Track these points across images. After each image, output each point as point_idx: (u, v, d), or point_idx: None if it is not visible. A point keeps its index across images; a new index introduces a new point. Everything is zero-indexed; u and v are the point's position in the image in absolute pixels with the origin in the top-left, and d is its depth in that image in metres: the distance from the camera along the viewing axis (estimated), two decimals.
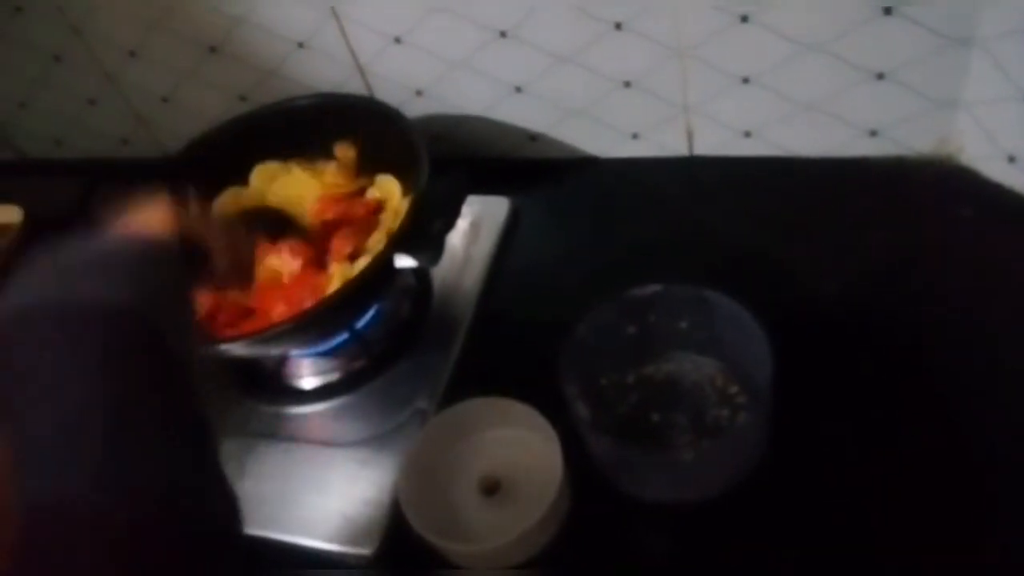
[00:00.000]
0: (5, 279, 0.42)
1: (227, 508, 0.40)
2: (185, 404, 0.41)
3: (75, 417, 0.36)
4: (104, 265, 0.42)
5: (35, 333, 0.39)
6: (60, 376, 0.37)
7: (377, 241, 0.68)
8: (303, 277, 0.68)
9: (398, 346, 0.71)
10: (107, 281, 0.41)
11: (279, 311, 0.66)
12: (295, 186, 0.76)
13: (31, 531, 0.32)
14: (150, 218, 0.48)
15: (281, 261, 0.69)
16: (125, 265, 0.43)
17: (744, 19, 0.66)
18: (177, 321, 0.44)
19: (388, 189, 0.74)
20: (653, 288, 0.60)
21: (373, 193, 0.75)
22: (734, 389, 0.61)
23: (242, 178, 0.77)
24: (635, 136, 0.80)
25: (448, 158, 0.70)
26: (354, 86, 0.84)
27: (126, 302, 0.40)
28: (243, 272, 0.57)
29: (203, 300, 0.65)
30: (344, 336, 0.70)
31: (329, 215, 0.73)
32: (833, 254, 0.68)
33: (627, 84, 0.75)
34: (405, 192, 0.72)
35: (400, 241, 0.64)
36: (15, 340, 0.38)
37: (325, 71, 0.83)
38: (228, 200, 0.76)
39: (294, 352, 0.72)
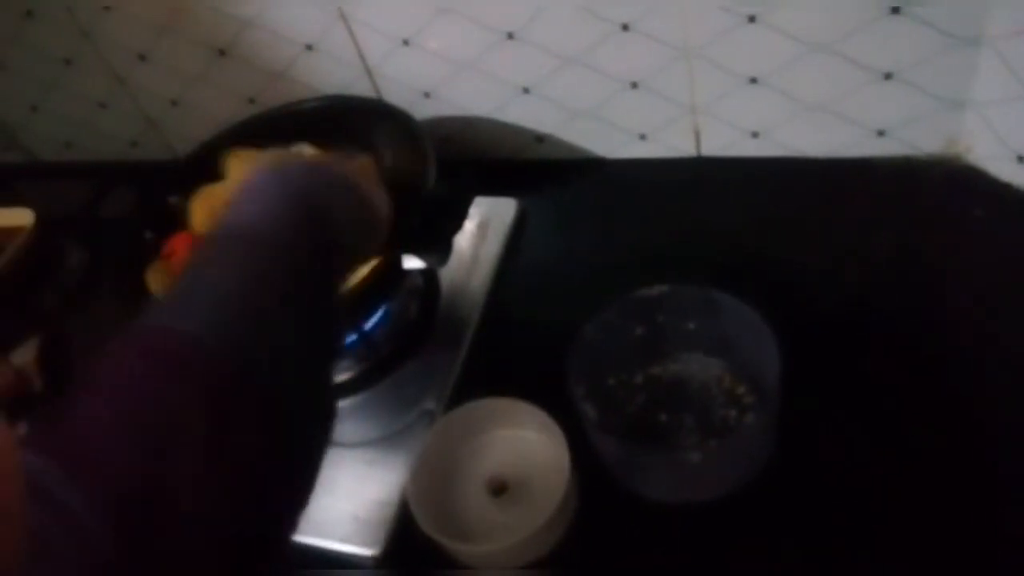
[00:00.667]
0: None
1: (324, 400, 0.44)
2: (319, 313, 0.45)
3: (217, 289, 0.40)
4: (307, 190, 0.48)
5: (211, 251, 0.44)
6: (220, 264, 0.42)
7: None
8: None
9: (406, 347, 0.72)
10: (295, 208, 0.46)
11: None
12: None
13: (128, 349, 0.37)
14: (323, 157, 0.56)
15: None
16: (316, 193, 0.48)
17: (751, 19, 0.66)
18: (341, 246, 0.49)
19: None
20: (660, 289, 0.60)
21: None
22: (741, 390, 0.61)
23: None
24: (642, 137, 0.80)
25: (456, 159, 0.70)
26: (362, 88, 0.84)
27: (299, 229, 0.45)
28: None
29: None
30: (352, 337, 0.70)
31: None
32: (841, 254, 0.68)
33: (634, 85, 0.75)
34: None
35: (408, 242, 0.64)
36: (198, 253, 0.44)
37: (333, 73, 0.84)
38: (205, 197, 0.76)
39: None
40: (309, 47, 0.83)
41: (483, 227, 0.78)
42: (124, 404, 0.34)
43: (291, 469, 0.40)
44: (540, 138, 0.83)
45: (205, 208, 0.75)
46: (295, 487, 0.40)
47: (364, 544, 0.60)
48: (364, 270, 0.67)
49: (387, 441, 0.66)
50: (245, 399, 0.37)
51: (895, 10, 0.62)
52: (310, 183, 0.47)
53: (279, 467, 0.39)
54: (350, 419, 0.70)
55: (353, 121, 0.77)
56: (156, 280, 0.72)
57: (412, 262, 0.65)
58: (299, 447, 0.40)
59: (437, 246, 0.66)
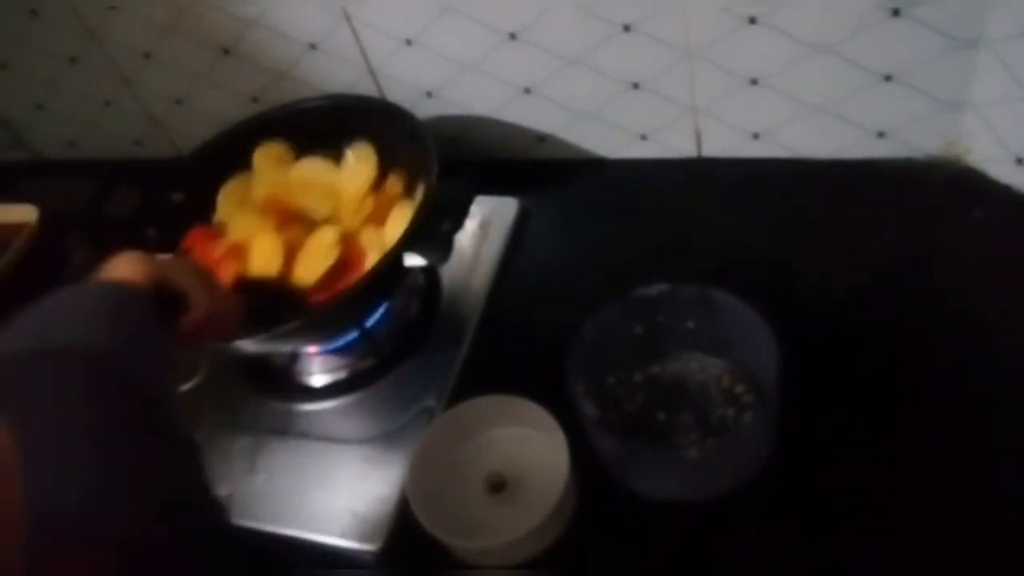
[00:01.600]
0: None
1: (217, 512, 0.43)
2: (162, 433, 0.43)
3: (64, 449, 0.37)
4: (81, 313, 0.46)
5: (18, 378, 0.41)
6: (45, 415, 0.39)
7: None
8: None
9: (407, 345, 0.72)
10: (84, 328, 0.44)
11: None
12: (313, 172, 0.77)
13: (37, 544, 0.33)
14: (125, 268, 0.51)
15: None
16: (100, 312, 0.46)
17: (752, 21, 0.66)
18: (149, 360, 0.47)
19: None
20: (660, 288, 0.60)
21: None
22: (740, 389, 0.61)
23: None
24: (643, 137, 0.80)
25: (458, 159, 0.70)
26: (365, 88, 0.84)
27: (101, 346, 0.43)
28: (224, 320, 0.58)
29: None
30: (354, 334, 0.71)
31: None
32: (841, 255, 0.68)
33: (635, 86, 0.75)
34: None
35: (410, 240, 0.65)
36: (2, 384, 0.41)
37: (337, 73, 0.84)
38: (234, 189, 0.77)
39: (305, 350, 0.73)
40: (313, 46, 0.83)
41: (484, 226, 0.78)
42: None
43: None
44: (541, 138, 0.84)
45: (233, 200, 0.76)
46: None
47: (364, 540, 0.61)
48: (366, 267, 0.68)
49: (387, 438, 0.66)
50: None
51: (895, 12, 0.62)
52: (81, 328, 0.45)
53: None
54: (350, 416, 0.70)
55: (356, 120, 0.77)
56: None
57: (413, 260, 0.65)
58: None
59: (438, 245, 0.66)
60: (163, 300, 0.51)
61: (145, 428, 0.42)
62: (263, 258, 0.71)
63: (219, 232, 0.75)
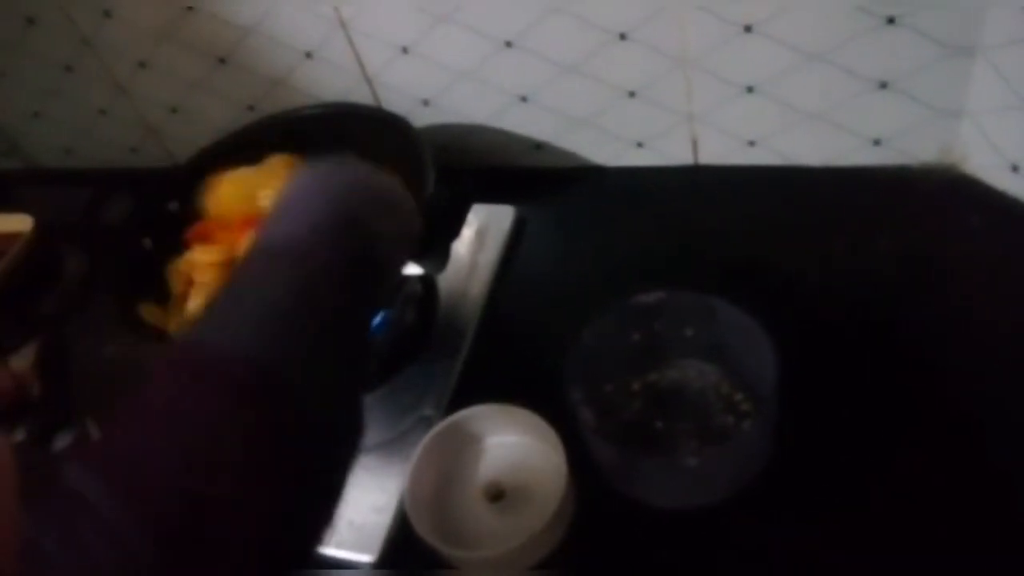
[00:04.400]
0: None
1: (355, 420, 0.44)
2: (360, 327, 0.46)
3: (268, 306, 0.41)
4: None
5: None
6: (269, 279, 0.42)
7: None
8: None
9: (404, 353, 0.72)
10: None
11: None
12: (243, 187, 0.75)
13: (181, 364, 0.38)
14: None
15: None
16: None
17: (748, 29, 0.66)
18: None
19: None
20: (658, 295, 0.60)
21: None
22: (739, 396, 0.61)
23: None
24: (640, 145, 0.80)
25: (454, 167, 0.70)
26: (361, 96, 0.84)
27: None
28: None
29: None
30: None
31: None
32: (837, 262, 0.68)
33: (632, 94, 0.75)
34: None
35: None
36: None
37: (333, 81, 0.84)
38: (200, 232, 0.75)
39: None
40: (308, 55, 0.83)
41: (481, 234, 0.78)
42: (169, 424, 0.35)
43: (324, 488, 0.40)
44: (538, 146, 0.84)
45: (232, 193, 0.75)
46: (326, 504, 0.40)
47: (361, 550, 0.60)
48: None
49: (385, 447, 0.66)
50: (286, 418, 0.37)
51: (890, 20, 0.62)
52: (350, 195, 0.47)
53: (313, 486, 0.39)
54: None
55: (352, 128, 0.77)
56: (175, 276, 0.74)
57: (410, 268, 0.65)
58: (332, 467, 0.41)
59: (435, 253, 0.66)
60: None
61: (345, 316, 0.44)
62: None
63: (217, 227, 0.75)
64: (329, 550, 0.61)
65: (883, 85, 0.67)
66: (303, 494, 0.38)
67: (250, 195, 0.74)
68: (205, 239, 0.74)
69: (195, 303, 0.71)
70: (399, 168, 0.73)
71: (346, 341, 0.43)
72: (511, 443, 0.62)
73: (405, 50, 0.79)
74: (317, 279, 0.42)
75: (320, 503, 0.40)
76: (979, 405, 0.57)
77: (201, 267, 0.72)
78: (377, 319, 0.71)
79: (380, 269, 0.47)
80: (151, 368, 0.37)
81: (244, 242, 0.71)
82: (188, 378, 0.37)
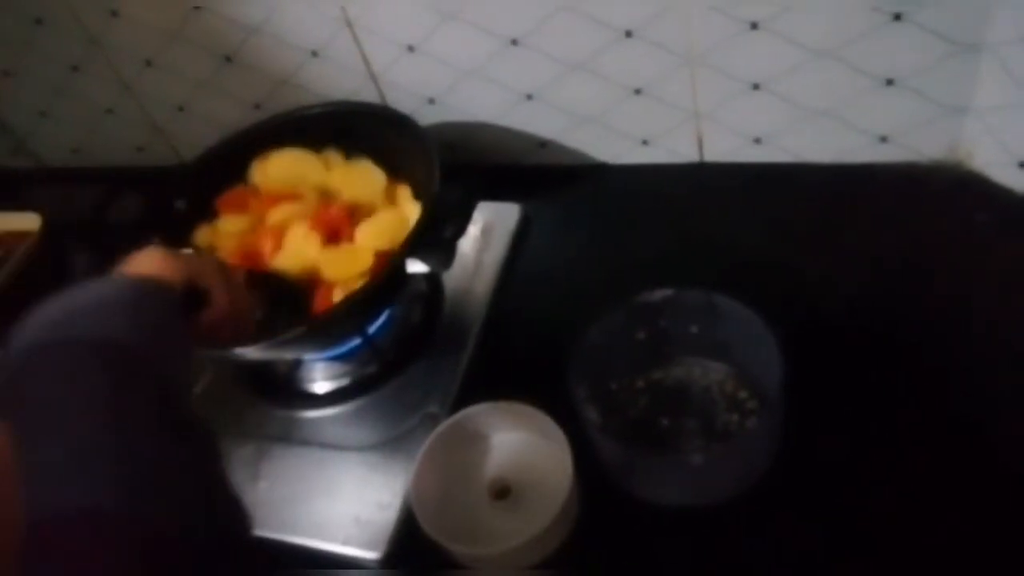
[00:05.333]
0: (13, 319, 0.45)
1: (237, 512, 0.42)
2: (184, 426, 0.43)
3: (88, 442, 0.37)
4: (105, 306, 0.46)
5: (44, 368, 0.41)
6: (68, 406, 0.39)
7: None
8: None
9: (410, 351, 0.72)
10: (108, 321, 0.44)
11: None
12: (294, 165, 0.76)
13: (52, 541, 0.33)
14: (150, 263, 0.51)
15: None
16: (124, 305, 0.46)
17: (754, 26, 0.66)
18: (169, 353, 0.46)
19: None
20: (663, 293, 0.60)
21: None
22: (744, 394, 0.61)
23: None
24: (645, 143, 0.80)
25: (460, 165, 0.70)
26: (367, 94, 0.85)
27: (124, 339, 0.43)
28: (240, 321, 0.58)
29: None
30: (356, 341, 0.71)
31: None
32: (844, 259, 0.68)
33: (637, 91, 0.75)
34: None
35: (412, 247, 0.65)
36: (26, 374, 0.41)
37: (339, 79, 0.84)
38: (232, 199, 0.77)
39: (307, 357, 0.73)
40: (315, 54, 0.83)
41: (487, 232, 0.78)
42: None
43: None
44: (543, 143, 0.84)
45: (282, 166, 0.77)
46: None
47: (366, 547, 0.61)
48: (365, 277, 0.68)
49: (390, 445, 0.66)
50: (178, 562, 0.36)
51: (897, 17, 0.62)
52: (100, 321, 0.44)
53: None
54: (353, 423, 0.70)
55: (358, 127, 0.77)
56: (205, 238, 0.75)
57: (416, 266, 0.65)
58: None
59: (441, 251, 0.66)
60: (186, 296, 0.52)
61: (163, 421, 0.42)
62: (294, 251, 0.71)
63: (251, 195, 0.76)
64: (335, 547, 0.61)
65: (890, 82, 0.66)
66: None
67: (299, 174, 0.76)
68: (235, 208, 0.75)
69: None
70: (405, 166, 0.74)
71: (176, 453, 0.41)
72: (516, 440, 0.63)
73: (411, 48, 0.79)
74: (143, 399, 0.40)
75: None
76: (985, 404, 0.57)
77: (225, 236, 0.73)
78: (383, 317, 0.72)
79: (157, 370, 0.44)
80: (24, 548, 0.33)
81: (274, 214, 0.72)
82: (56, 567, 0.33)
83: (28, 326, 0.44)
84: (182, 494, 0.39)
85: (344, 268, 0.69)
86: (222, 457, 0.44)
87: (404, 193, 0.74)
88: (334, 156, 0.78)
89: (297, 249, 0.70)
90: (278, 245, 0.71)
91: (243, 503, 0.42)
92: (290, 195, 0.74)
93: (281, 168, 0.76)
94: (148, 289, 0.49)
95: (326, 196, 0.75)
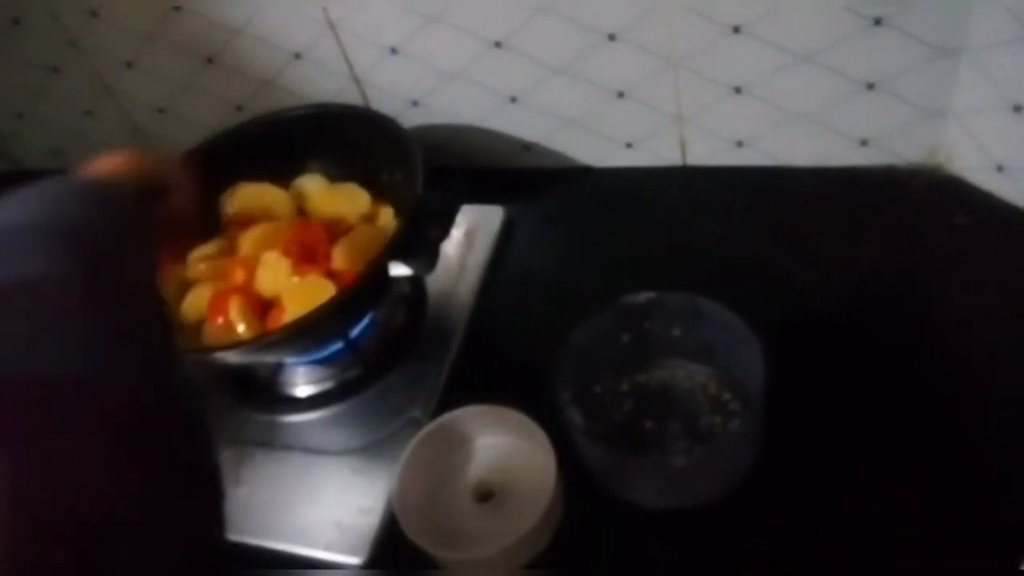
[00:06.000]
0: None
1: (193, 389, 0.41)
2: (151, 309, 0.43)
3: (55, 316, 0.36)
4: (63, 196, 0.46)
5: (7, 248, 0.40)
6: (34, 290, 0.38)
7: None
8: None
9: (392, 354, 0.72)
10: (64, 208, 0.44)
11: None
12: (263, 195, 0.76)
13: (25, 411, 0.32)
14: (110, 161, 0.52)
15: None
16: (82, 196, 0.47)
17: (736, 30, 0.67)
18: (133, 244, 0.46)
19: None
20: (647, 296, 0.60)
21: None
22: (727, 396, 0.61)
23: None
24: (629, 146, 0.80)
25: (443, 167, 0.70)
26: (350, 96, 0.84)
27: (81, 226, 0.43)
28: (195, 223, 0.59)
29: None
30: (339, 345, 0.70)
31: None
32: (825, 262, 0.68)
33: (620, 94, 0.75)
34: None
35: (395, 250, 0.64)
36: None
37: (321, 81, 0.84)
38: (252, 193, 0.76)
39: (289, 360, 0.72)
40: (297, 55, 0.83)
41: (470, 235, 0.78)
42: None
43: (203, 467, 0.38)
44: (527, 146, 0.84)
45: (250, 196, 0.76)
46: (212, 482, 0.38)
47: (349, 552, 0.60)
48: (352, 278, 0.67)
49: (373, 448, 0.66)
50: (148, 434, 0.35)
51: (877, 21, 0.62)
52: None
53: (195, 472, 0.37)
54: (335, 427, 0.70)
55: (341, 129, 0.77)
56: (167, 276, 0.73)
57: (399, 269, 0.65)
58: (201, 444, 0.38)
59: (424, 254, 0.66)
60: (141, 192, 0.52)
61: (132, 297, 0.41)
62: (267, 277, 0.70)
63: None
64: (317, 552, 0.61)
65: (870, 86, 0.67)
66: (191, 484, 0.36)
67: (266, 205, 0.75)
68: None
69: (189, 302, 0.70)
70: (388, 168, 0.73)
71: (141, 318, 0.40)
72: (500, 444, 0.62)
73: (394, 51, 0.79)
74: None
75: (205, 483, 0.38)
76: (967, 404, 0.58)
77: (194, 262, 0.72)
78: (365, 321, 0.71)
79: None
80: None
81: (244, 238, 0.71)
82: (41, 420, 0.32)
83: None
84: (144, 354, 0.38)
85: (305, 300, 0.66)
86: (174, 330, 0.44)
87: (386, 213, 0.74)
88: (314, 182, 0.77)
89: (269, 276, 0.69)
90: (251, 272, 0.70)
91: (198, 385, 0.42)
92: (263, 217, 0.74)
93: (249, 197, 0.75)
94: (108, 185, 0.49)
95: (304, 216, 0.75)
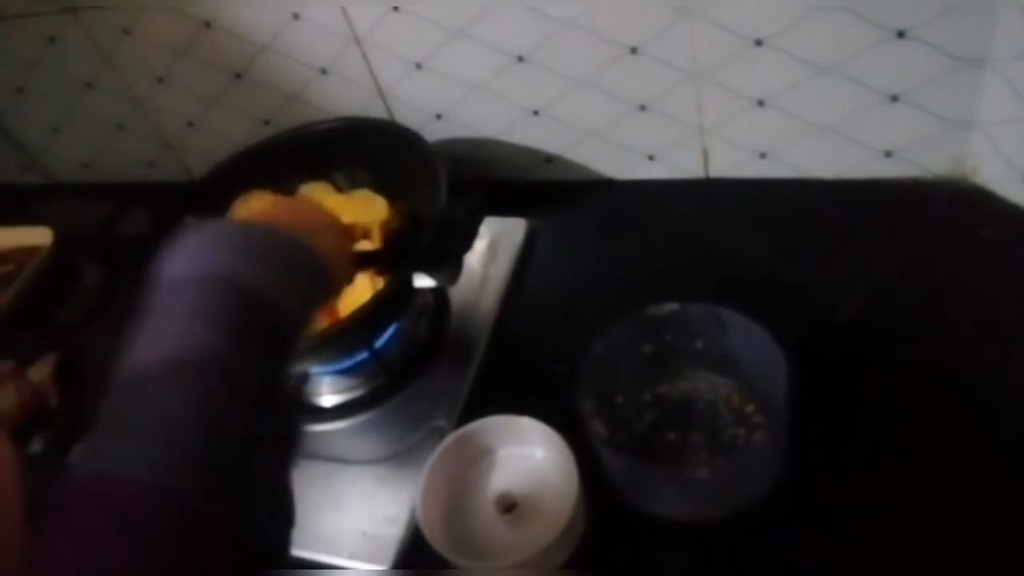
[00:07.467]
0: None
1: (287, 513, 0.42)
2: (274, 403, 0.42)
3: (173, 414, 0.37)
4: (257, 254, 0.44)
5: (173, 303, 0.42)
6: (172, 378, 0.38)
7: None
8: None
9: (416, 365, 0.72)
10: (255, 267, 0.43)
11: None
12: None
13: (102, 496, 0.33)
14: (304, 212, 0.52)
15: None
16: (283, 263, 0.45)
17: (759, 43, 0.67)
18: (303, 316, 0.46)
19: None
20: (669, 307, 0.60)
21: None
22: (750, 408, 0.61)
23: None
24: (651, 158, 0.80)
25: (467, 180, 0.71)
26: (375, 110, 0.85)
27: (260, 287, 0.42)
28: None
29: None
30: (363, 355, 0.71)
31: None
32: (849, 274, 0.68)
33: (643, 107, 0.76)
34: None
35: (419, 261, 0.65)
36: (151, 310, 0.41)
37: (347, 96, 0.85)
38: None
39: (314, 370, 0.73)
40: (324, 70, 0.84)
41: (493, 247, 0.79)
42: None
43: None
44: (550, 159, 0.84)
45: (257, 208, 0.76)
46: None
47: (373, 560, 0.61)
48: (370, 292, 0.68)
49: (397, 458, 0.66)
50: (218, 554, 0.35)
51: (900, 33, 0.62)
52: (232, 266, 0.43)
53: None
54: (360, 436, 0.70)
55: (366, 142, 0.78)
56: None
57: (423, 281, 0.66)
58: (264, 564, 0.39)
59: (447, 265, 0.66)
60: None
61: (257, 398, 0.40)
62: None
63: None
64: (342, 560, 0.61)
65: (894, 98, 0.67)
66: None
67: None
68: None
69: None
70: (412, 181, 0.74)
71: (261, 437, 0.40)
72: (523, 454, 0.63)
73: (419, 65, 0.80)
74: (218, 377, 0.38)
75: None
76: (991, 415, 0.57)
77: None
78: (390, 331, 0.72)
79: (282, 335, 0.43)
80: (59, 504, 0.33)
81: None
82: (104, 520, 0.33)
83: (176, 258, 0.43)
84: (245, 484, 0.38)
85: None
86: (298, 442, 0.44)
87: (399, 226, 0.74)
88: (319, 190, 0.78)
89: None
90: None
91: (294, 505, 0.41)
92: None
93: (256, 210, 0.76)
94: (302, 248, 0.47)
95: None
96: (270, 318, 0.42)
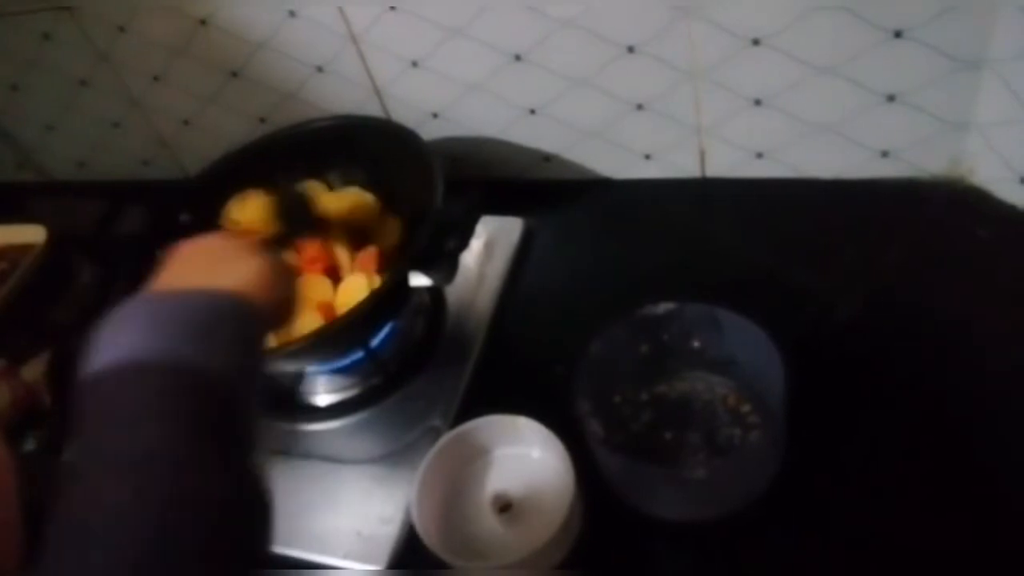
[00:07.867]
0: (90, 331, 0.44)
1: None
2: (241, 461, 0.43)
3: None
4: (187, 324, 0.44)
5: (135, 388, 0.41)
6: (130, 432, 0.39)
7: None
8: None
9: (412, 364, 0.72)
10: (192, 343, 0.42)
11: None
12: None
13: None
14: (259, 278, 0.49)
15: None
16: (220, 331, 0.44)
17: (756, 42, 0.67)
18: (248, 377, 0.45)
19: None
20: (666, 307, 0.60)
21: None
22: (747, 408, 0.61)
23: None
24: (648, 157, 0.80)
25: (463, 178, 0.71)
26: (372, 109, 0.85)
27: (211, 370, 0.41)
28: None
29: None
30: (359, 354, 0.71)
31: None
32: (846, 274, 0.68)
33: (640, 106, 0.76)
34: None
35: (415, 260, 0.65)
36: (113, 391, 0.41)
37: (344, 94, 0.85)
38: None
39: (309, 369, 0.73)
40: (320, 69, 0.84)
41: (489, 246, 0.78)
42: None
43: None
44: (546, 158, 0.84)
45: (258, 207, 0.74)
46: None
47: (368, 560, 0.60)
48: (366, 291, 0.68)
49: (392, 458, 0.66)
50: None
51: (897, 34, 0.62)
52: (192, 344, 0.42)
53: None
54: (355, 436, 0.70)
55: (362, 141, 0.78)
56: None
57: (419, 280, 0.65)
58: None
59: (444, 264, 0.66)
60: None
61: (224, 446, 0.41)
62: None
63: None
64: (336, 560, 0.61)
65: (891, 98, 0.67)
66: None
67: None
68: None
69: None
70: (408, 180, 0.74)
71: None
72: (519, 454, 0.62)
73: (415, 64, 0.80)
74: (174, 489, 0.37)
75: None
76: (989, 416, 0.57)
77: None
78: (385, 330, 0.72)
79: (226, 404, 0.42)
80: None
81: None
82: None
83: (114, 339, 0.43)
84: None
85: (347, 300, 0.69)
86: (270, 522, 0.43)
87: (392, 226, 0.74)
88: (310, 188, 0.78)
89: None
90: None
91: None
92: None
93: (257, 208, 0.76)
94: (244, 313, 0.46)
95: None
96: (205, 392, 0.41)
